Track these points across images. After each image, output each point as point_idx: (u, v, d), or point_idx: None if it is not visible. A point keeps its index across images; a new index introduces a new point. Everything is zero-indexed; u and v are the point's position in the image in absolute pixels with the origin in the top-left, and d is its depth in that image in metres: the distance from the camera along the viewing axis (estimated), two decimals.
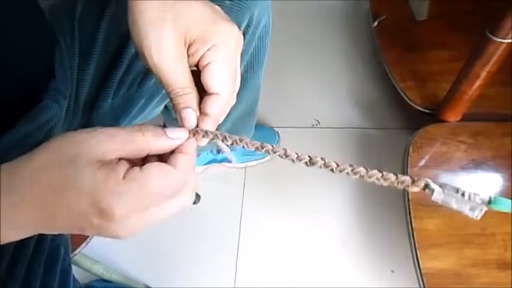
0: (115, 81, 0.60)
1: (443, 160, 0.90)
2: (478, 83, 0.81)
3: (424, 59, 1.11)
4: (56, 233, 0.32)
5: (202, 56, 0.36)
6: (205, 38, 0.36)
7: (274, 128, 1.19)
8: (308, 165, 0.33)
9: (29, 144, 0.50)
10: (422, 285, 0.77)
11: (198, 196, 1.11)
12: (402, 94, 1.06)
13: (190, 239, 1.09)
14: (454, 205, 0.26)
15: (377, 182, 0.30)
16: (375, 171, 0.29)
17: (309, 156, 0.32)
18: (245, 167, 1.16)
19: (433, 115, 1.00)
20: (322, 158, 0.32)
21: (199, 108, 0.37)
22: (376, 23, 1.20)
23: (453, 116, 0.94)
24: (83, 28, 0.59)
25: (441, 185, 0.27)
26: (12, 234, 0.31)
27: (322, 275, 1.01)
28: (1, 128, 0.48)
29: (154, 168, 0.30)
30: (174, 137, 0.34)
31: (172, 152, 0.34)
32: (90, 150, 0.30)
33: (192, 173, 0.33)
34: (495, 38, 0.70)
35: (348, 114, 1.23)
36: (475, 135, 0.92)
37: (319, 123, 1.22)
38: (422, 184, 0.27)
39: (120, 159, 0.32)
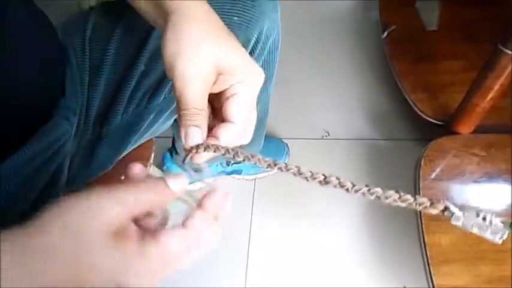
0: (125, 98, 0.60)
1: (456, 173, 0.89)
2: (490, 95, 0.80)
3: (435, 69, 1.10)
4: None
5: (230, 87, 0.38)
6: (234, 72, 0.37)
7: (284, 140, 1.19)
8: (322, 184, 0.32)
9: (37, 163, 0.50)
10: None
11: None
12: (413, 106, 1.04)
13: None
14: (475, 229, 0.26)
15: (394, 203, 0.29)
16: (392, 192, 0.28)
17: (324, 175, 0.31)
18: (254, 179, 1.16)
19: (445, 126, 0.98)
20: (337, 178, 0.31)
21: (208, 133, 0.38)
22: (385, 34, 1.19)
23: (466, 128, 0.92)
24: (93, 45, 0.59)
25: (461, 208, 0.26)
26: None
27: None
28: (12, 146, 0.48)
29: (167, 238, 0.31)
30: (176, 189, 0.33)
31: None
32: (98, 220, 0.30)
33: (209, 227, 0.34)
34: (508, 51, 0.69)
35: (358, 125, 1.22)
36: (488, 147, 0.90)
37: (329, 134, 1.22)
38: (441, 207, 0.26)
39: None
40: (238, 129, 0.38)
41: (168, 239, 0.31)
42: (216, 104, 0.39)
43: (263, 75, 0.39)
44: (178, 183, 0.33)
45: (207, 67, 0.36)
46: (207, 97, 0.37)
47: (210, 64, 0.36)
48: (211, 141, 0.37)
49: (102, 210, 0.30)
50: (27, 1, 0.50)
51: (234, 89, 0.37)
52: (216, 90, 0.38)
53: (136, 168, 0.35)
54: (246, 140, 0.41)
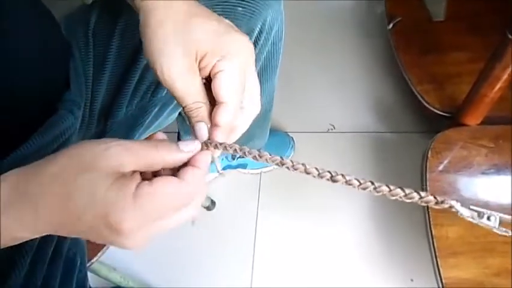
0: (129, 91, 0.60)
1: (463, 165, 0.88)
2: (498, 85, 0.78)
3: (441, 60, 1.08)
4: (69, 236, 0.34)
5: (213, 66, 0.37)
6: (216, 51, 0.37)
7: (289, 133, 1.18)
8: (330, 181, 0.32)
9: (42, 156, 0.50)
10: None
11: (213, 202, 1.11)
12: (419, 97, 1.03)
13: (207, 246, 1.08)
14: (483, 221, 0.25)
15: (399, 199, 0.29)
16: (398, 191, 0.28)
17: (330, 173, 0.32)
18: (260, 173, 1.16)
19: (452, 118, 0.97)
20: (343, 175, 0.31)
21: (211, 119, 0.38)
22: (391, 25, 1.18)
23: (473, 120, 0.91)
24: (97, 39, 0.59)
25: (464, 204, 0.25)
26: (24, 235, 0.32)
27: (339, 282, 0.99)
28: (16, 140, 0.48)
29: (162, 183, 0.31)
30: (186, 150, 0.34)
31: (185, 164, 0.35)
32: (107, 162, 0.31)
33: (201, 186, 0.34)
34: None
35: (364, 118, 1.21)
36: (495, 138, 0.89)
37: (334, 127, 1.21)
38: (446, 206, 0.26)
39: (134, 171, 0.32)
40: (230, 107, 0.37)
41: (162, 180, 0.31)
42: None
43: (247, 42, 0.38)
44: (190, 147, 0.34)
45: (187, 63, 0.36)
46: (201, 87, 0.37)
47: (189, 58, 0.36)
48: (216, 136, 0.37)
49: (113, 154, 0.31)
50: (27, 0, 0.50)
51: (218, 67, 0.37)
52: (205, 74, 0.38)
53: (159, 135, 0.37)
54: (249, 117, 0.40)
